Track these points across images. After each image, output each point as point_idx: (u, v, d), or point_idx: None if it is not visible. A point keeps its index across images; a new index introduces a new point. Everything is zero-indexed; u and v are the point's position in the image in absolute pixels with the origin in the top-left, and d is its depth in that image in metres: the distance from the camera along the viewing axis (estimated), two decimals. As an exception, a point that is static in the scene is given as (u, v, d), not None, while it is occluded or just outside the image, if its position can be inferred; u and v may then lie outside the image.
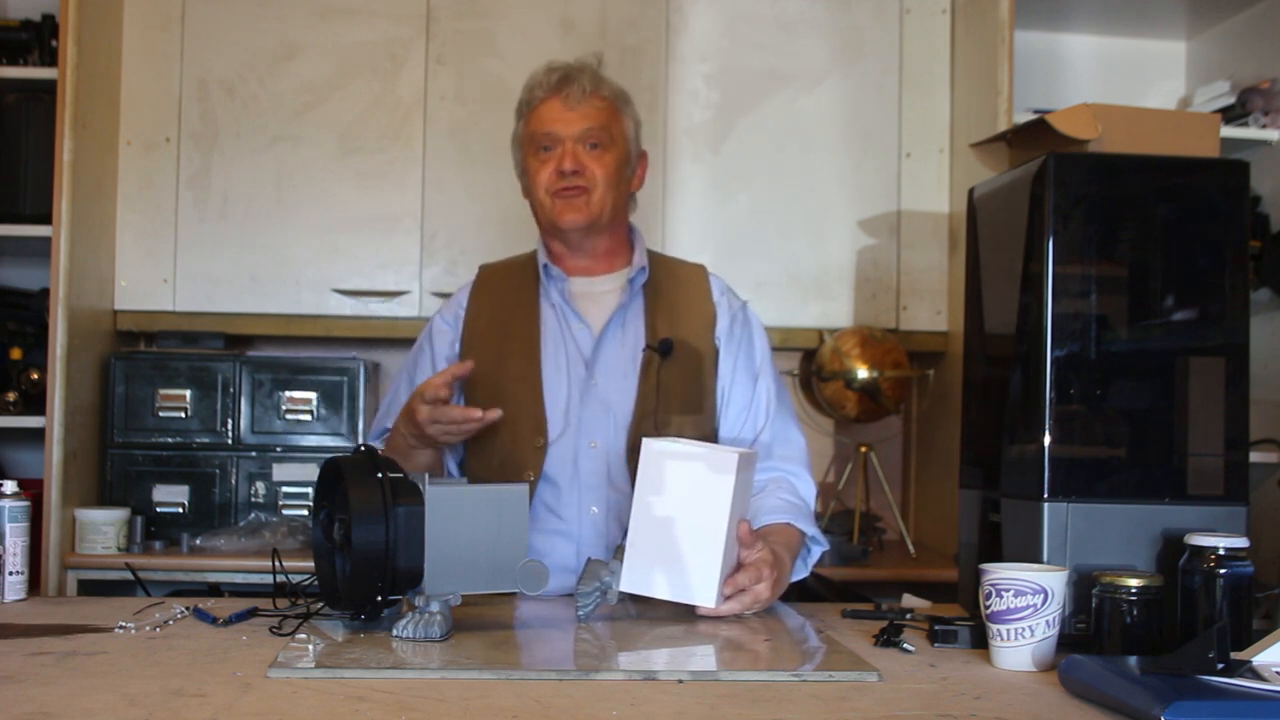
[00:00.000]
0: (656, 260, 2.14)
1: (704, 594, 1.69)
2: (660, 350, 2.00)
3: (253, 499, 3.03)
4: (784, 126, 3.24)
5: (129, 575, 2.54)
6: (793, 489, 2.02)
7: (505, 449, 2.00)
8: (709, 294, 2.12)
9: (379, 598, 1.55)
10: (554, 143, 2.01)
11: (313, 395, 3.06)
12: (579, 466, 1.99)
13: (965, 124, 3.18)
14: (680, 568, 1.69)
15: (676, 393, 2.01)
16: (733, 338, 2.09)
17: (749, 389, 2.07)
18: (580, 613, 1.69)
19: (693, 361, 2.04)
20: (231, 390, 3.04)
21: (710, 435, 2.05)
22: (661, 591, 1.69)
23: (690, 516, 1.69)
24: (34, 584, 1.93)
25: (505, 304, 2.10)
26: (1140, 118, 1.87)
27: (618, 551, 1.73)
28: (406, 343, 3.24)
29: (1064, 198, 1.70)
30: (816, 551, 1.99)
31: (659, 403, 1.99)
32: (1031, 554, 1.66)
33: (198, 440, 3.03)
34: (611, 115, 2.05)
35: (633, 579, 1.69)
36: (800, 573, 1.96)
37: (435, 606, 1.56)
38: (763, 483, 2.01)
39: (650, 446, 1.71)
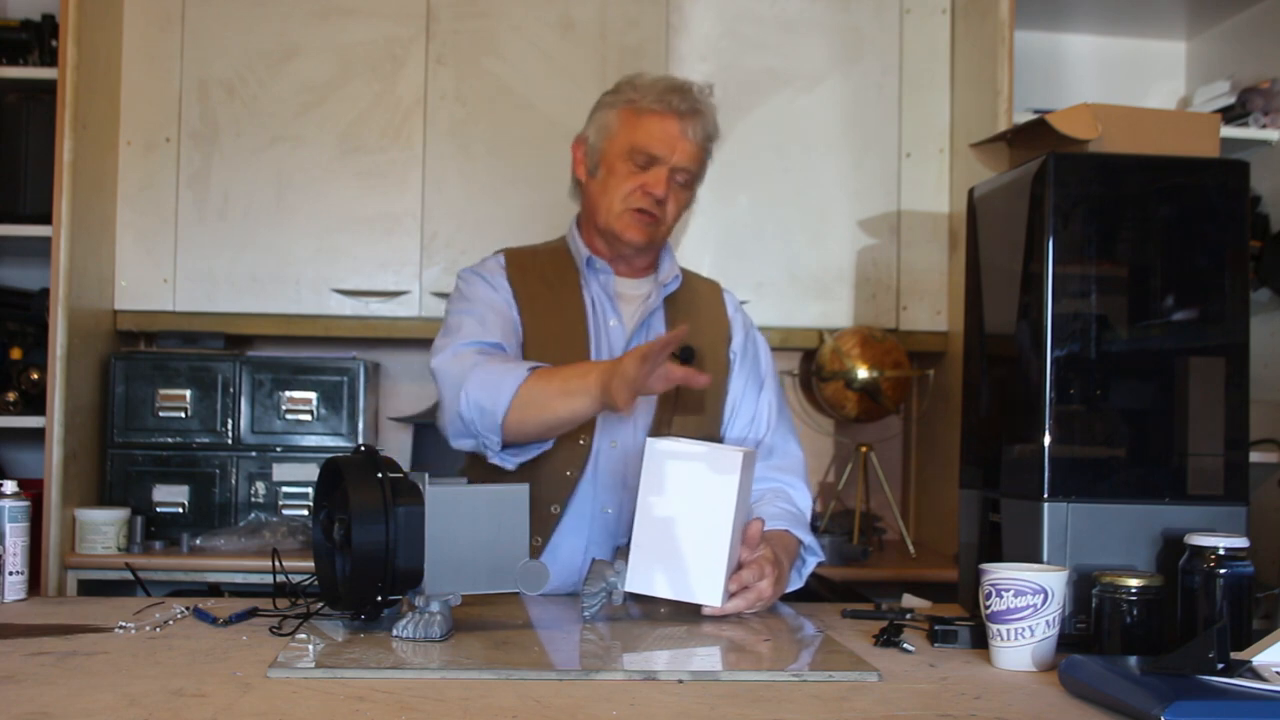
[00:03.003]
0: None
1: (709, 593, 1.69)
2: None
3: (253, 499, 3.03)
4: (784, 126, 3.24)
5: (129, 575, 2.54)
6: (790, 499, 2.04)
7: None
8: (725, 310, 2.16)
9: (379, 598, 1.55)
10: (653, 163, 2.00)
11: (313, 395, 3.06)
12: (598, 465, 1.99)
13: (965, 124, 3.18)
14: (685, 567, 1.69)
15: (693, 400, 2.03)
16: (745, 354, 2.13)
17: (754, 402, 2.11)
18: (586, 613, 1.69)
19: (709, 371, 2.04)
20: (231, 390, 3.04)
21: (717, 441, 2.05)
22: (666, 591, 1.69)
23: (695, 516, 1.69)
24: (34, 584, 1.93)
25: (548, 291, 2.06)
26: (1140, 118, 1.87)
27: (620, 552, 1.73)
28: (407, 343, 3.26)
29: (1064, 198, 1.70)
30: (811, 562, 1.99)
31: (676, 408, 2.00)
32: (1031, 554, 1.66)
33: (198, 440, 3.03)
34: (704, 158, 2.06)
35: (637, 579, 1.69)
36: (794, 583, 1.96)
37: (435, 606, 1.56)
38: (760, 493, 2.02)
39: (654, 446, 1.71)
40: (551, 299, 2.06)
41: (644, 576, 1.69)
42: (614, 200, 2.01)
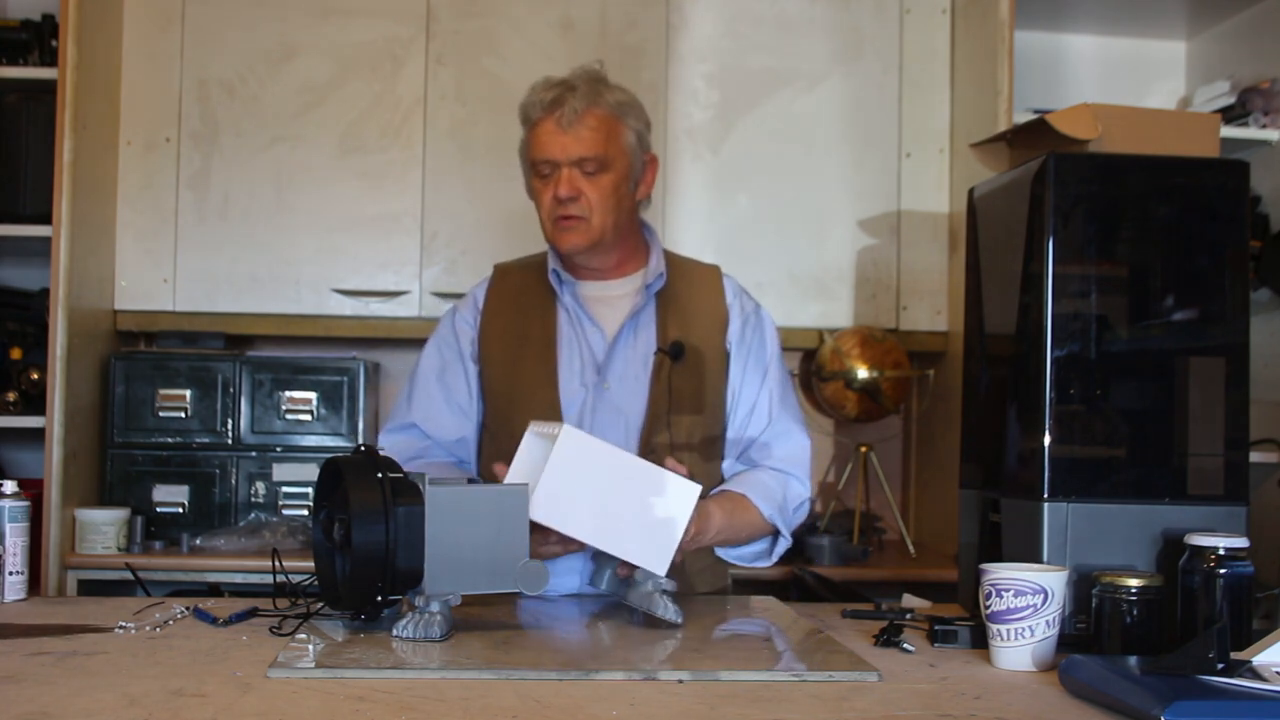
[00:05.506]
0: (671, 262, 2.11)
1: (687, 495, 1.69)
2: (671, 354, 2.00)
3: (253, 499, 3.03)
4: (784, 126, 3.24)
5: (129, 575, 2.54)
6: (783, 483, 2.01)
7: None
8: (722, 297, 2.11)
9: (379, 598, 1.55)
10: (551, 168, 1.98)
11: (313, 395, 3.06)
12: None
13: (965, 124, 3.18)
14: (657, 512, 1.67)
15: (687, 396, 2.01)
16: (744, 341, 2.08)
17: (756, 390, 2.07)
18: (672, 617, 1.67)
19: (704, 365, 2.03)
20: (231, 390, 3.04)
21: (719, 437, 2.05)
22: (677, 538, 1.68)
23: (611, 488, 1.66)
24: (34, 584, 1.93)
25: (520, 305, 2.08)
26: (1140, 118, 1.87)
27: (618, 571, 1.72)
28: (406, 342, 3.25)
29: (1064, 198, 1.70)
30: (782, 544, 2.01)
31: (670, 406, 1.99)
32: (1031, 554, 1.66)
33: (198, 440, 3.03)
34: (608, 133, 1.98)
35: (654, 562, 1.67)
36: (762, 560, 2.01)
37: (435, 606, 1.56)
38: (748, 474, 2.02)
39: (534, 501, 1.62)
40: (525, 315, 2.07)
41: (654, 557, 1.67)
42: (543, 218, 2.02)
